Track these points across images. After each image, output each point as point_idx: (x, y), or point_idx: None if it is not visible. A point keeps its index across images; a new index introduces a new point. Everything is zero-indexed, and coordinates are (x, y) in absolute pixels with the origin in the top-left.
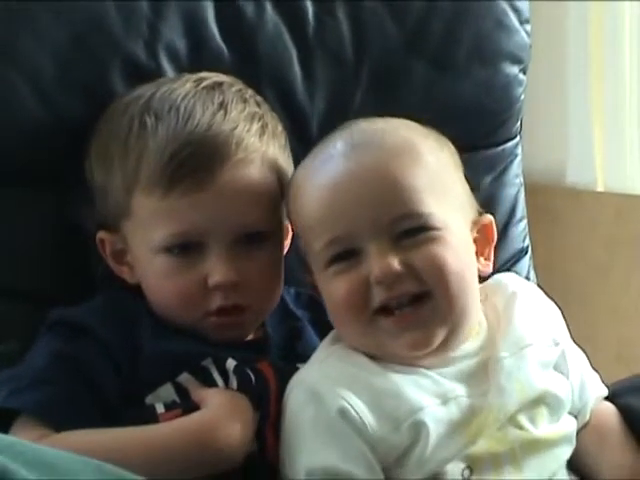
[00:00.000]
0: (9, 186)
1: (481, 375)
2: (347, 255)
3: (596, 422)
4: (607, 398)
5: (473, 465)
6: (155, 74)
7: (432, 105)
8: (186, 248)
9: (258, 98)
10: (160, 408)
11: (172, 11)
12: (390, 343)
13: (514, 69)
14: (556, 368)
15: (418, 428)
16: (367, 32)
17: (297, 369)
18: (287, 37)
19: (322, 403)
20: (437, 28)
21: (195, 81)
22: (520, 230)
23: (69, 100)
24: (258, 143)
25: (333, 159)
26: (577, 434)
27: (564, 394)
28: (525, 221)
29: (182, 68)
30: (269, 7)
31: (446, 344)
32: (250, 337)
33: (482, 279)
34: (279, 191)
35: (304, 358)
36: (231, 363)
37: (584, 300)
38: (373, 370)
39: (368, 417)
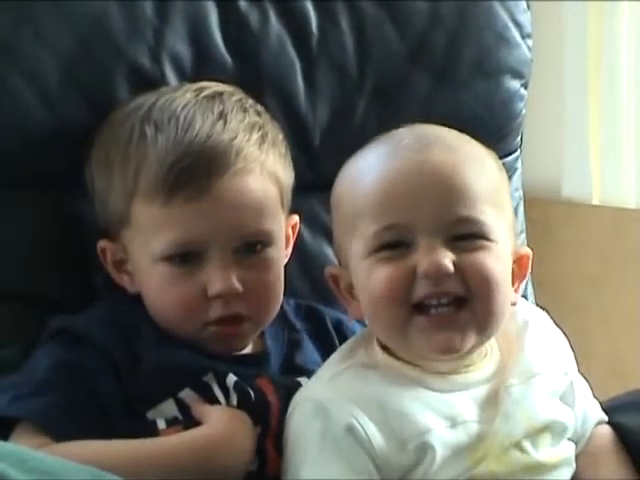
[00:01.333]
0: (10, 189)
1: (492, 401)
2: (397, 244)
3: (592, 443)
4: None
5: None
6: (159, 81)
7: (433, 117)
8: (186, 257)
9: (259, 107)
10: (162, 424)
11: (177, 18)
12: (420, 342)
13: (515, 84)
14: (562, 398)
15: (424, 449)
16: (370, 43)
17: (297, 382)
18: (290, 47)
19: (330, 418)
20: (439, 41)
21: (195, 90)
22: (519, 244)
23: (72, 104)
24: (257, 152)
25: (402, 150)
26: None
27: (569, 423)
28: (524, 235)
29: (186, 76)
30: (273, 17)
31: (465, 357)
32: (249, 350)
33: None
34: (279, 200)
35: (303, 370)
36: (231, 379)
37: (578, 312)
38: (383, 390)
39: (375, 435)
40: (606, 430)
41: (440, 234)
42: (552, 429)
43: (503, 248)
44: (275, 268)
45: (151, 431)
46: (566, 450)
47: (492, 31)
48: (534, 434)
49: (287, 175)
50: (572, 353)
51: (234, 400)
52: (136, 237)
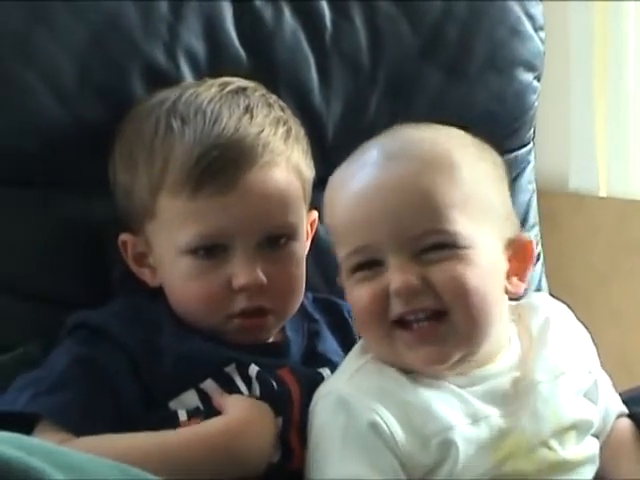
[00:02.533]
0: (26, 187)
1: (512, 395)
2: (370, 264)
3: (612, 436)
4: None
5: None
6: (174, 78)
7: (446, 111)
8: (211, 250)
9: (282, 103)
10: (183, 415)
11: (191, 15)
12: (406, 355)
13: (528, 76)
14: (586, 395)
15: (447, 447)
16: (383, 38)
17: (318, 373)
18: (304, 42)
19: (353, 414)
20: (452, 34)
21: (220, 85)
22: (532, 236)
23: (87, 101)
24: (283, 146)
25: (366, 167)
26: None
27: (594, 420)
28: (537, 228)
29: (201, 72)
30: (287, 13)
31: (464, 362)
32: (271, 340)
33: (515, 297)
34: (302, 194)
35: (325, 359)
36: (254, 369)
37: (586, 304)
38: (404, 385)
39: (398, 432)
40: (626, 423)
41: (407, 250)
42: (578, 427)
43: (482, 250)
44: (298, 262)
45: (172, 422)
46: (590, 447)
47: (505, 24)
48: (561, 432)
49: (309, 170)
50: (594, 349)
51: (257, 390)
52: (161, 230)
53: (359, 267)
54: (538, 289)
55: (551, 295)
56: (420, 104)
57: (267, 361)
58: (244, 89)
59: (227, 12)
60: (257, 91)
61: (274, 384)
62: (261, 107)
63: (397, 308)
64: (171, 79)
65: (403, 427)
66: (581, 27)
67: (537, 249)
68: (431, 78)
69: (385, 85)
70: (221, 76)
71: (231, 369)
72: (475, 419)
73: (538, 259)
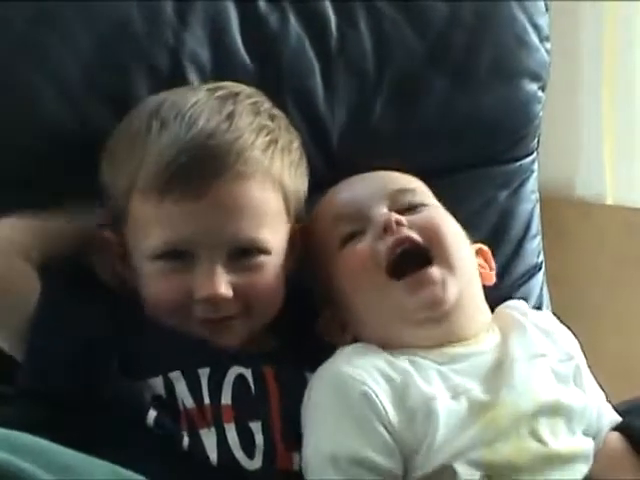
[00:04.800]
0: (31, 188)
1: (493, 373)
2: (355, 234)
3: (607, 447)
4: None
5: (491, 474)
6: (179, 82)
7: (451, 119)
8: (178, 256)
9: (275, 112)
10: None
11: (196, 19)
12: (406, 303)
13: (533, 86)
14: (573, 381)
15: (429, 418)
16: (389, 44)
17: (303, 376)
18: (309, 48)
19: (345, 389)
20: (458, 43)
21: (210, 89)
22: (535, 246)
23: (93, 105)
24: (261, 157)
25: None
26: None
27: (579, 406)
28: (540, 237)
29: (206, 77)
30: (292, 18)
31: (455, 312)
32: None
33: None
34: (282, 208)
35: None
36: (232, 373)
37: (592, 312)
38: (391, 363)
39: (388, 405)
40: (619, 435)
41: (385, 204)
42: (563, 413)
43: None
44: (270, 274)
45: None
46: (583, 443)
47: (511, 33)
48: (547, 416)
49: (297, 184)
50: (578, 344)
51: (227, 397)
52: (132, 233)
53: (346, 238)
54: (539, 298)
55: (556, 303)
56: (425, 111)
57: (253, 359)
58: (236, 94)
59: (232, 17)
60: (250, 98)
61: (252, 389)
62: (246, 114)
63: (385, 245)
64: (176, 83)
65: (392, 402)
66: (590, 36)
67: (539, 259)
68: (436, 85)
69: (390, 91)
70: (225, 81)
71: (203, 372)
72: (455, 393)
73: (540, 269)
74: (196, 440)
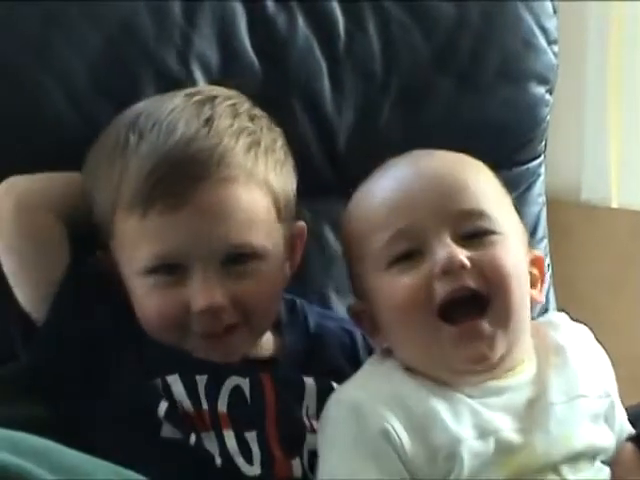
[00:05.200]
0: None
1: (527, 412)
2: (410, 255)
3: (620, 458)
4: None
5: None
6: (186, 84)
7: (458, 122)
8: (169, 270)
9: (255, 112)
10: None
11: (204, 20)
12: (452, 353)
13: (540, 89)
14: (604, 419)
15: (453, 460)
16: (396, 47)
17: (301, 382)
18: (317, 50)
19: (364, 421)
20: (465, 45)
21: (186, 95)
22: (542, 249)
23: (101, 106)
24: (244, 160)
25: (398, 167)
26: None
27: (608, 446)
28: (546, 240)
29: (213, 79)
30: (300, 20)
31: (501, 362)
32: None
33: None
34: (273, 211)
35: (328, 369)
36: (230, 383)
37: (597, 315)
38: (416, 394)
39: (407, 442)
40: (632, 445)
41: (449, 228)
42: (591, 454)
43: (513, 239)
44: (266, 280)
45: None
46: (600, 474)
47: (518, 36)
48: (573, 458)
49: (285, 183)
50: (612, 371)
51: (223, 406)
52: (120, 249)
53: (398, 259)
54: (546, 301)
55: (561, 306)
56: (432, 113)
57: (251, 368)
58: (213, 98)
59: (240, 19)
60: (228, 100)
61: (248, 399)
62: (224, 117)
63: (444, 287)
64: (183, 85)
65: (412, 437)
66: (597, 39)
67: (546, 261)
68: (443, 87)
69: (397, 94)
70: (230, 83)
71: (201, 379)
72: (484, 432)
73: (546, 271)
74: (200, 441)
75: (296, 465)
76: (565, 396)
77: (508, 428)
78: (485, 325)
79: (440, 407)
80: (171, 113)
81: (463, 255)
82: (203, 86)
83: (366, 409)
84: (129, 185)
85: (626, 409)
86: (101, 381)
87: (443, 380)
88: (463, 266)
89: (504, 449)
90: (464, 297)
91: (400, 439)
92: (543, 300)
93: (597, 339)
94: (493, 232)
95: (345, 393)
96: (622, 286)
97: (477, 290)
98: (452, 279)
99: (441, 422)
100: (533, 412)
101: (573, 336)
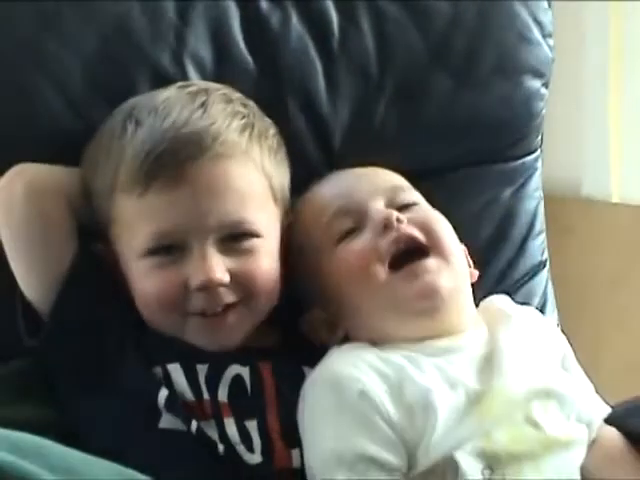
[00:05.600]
0: None
1: (485, 364)
2: (355, 229)
3: (606, 444)
4: (611, 418)
5: (493, 464)
6: None
7: (454, 116)
8: (168, 251)
9: (247, 101)
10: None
11: (198, 19)
12: (404, 294)
13: (536, 83)
14: (561, 365)
15: (428, 410)
16: (391, 44)
17: (300, 370)
18: (311, 48)
19: (342, 389)
20: (460, 41)
21: (180, 87)
22: (539, 244)
23: (96, 106)
24: (238, 139)
25: (328, 180)
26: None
27: (570, 390)
28: (544, 235)
29: (207, 77)
30: (294, 17)
31: (451, 302)
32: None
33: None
34: (269, 193)
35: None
36: (231, 372)
37: (597, 310)
38: (383, 360)
39: (386, 400)
40: (615, 432)
41: (383, 200)
42: (556, 398)
43: (433, 212)
44: (264, 258)
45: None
46: (578, 429)
47: (513, 31)
48: (540, 399)
49: (279, 171)
50: (564, 336)
51: (224, 394)
52: (120, 233)
53: (345, 234)
54: (544, 296)
55: (562, 301)
56: (428, 109)
57: (251, 356)
58: (206, 89)
59: (234, 16)
60: (221, 90)
61: (249, 388)
62: (218, 102)
63: (387, 242)
64: None
65: (391, 400)
66: (595, 31)
67: (543, 256)
68: (439, 84)
69: (393, 91)
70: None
71: (202, 368)
72: (453, 385)
73: (544, 266)
74: (201, 429)
75: (295, 455)
76: (514, 343)
77: (472, 380)
78: (430, 261)
79: (406, 365)
80: (166, 101)
81: (399, 213)
82: (195, 80)
83: (341, 377)
84: (127, 166)
85: (624, 402)
86: (102, 368)
87: (405, 343)
88: (400, 219)
89: (471, 397)
90: (408, 250)
91: (380, 398)
92: (476, 277)
93: (598, 334)
94: (420, 203)
95: (317, 374)
96: (623, 282)
97: (417, 237)
98: (393, 232)
99: (410, 378)
100: (490, 363)
101: (519, 308)
